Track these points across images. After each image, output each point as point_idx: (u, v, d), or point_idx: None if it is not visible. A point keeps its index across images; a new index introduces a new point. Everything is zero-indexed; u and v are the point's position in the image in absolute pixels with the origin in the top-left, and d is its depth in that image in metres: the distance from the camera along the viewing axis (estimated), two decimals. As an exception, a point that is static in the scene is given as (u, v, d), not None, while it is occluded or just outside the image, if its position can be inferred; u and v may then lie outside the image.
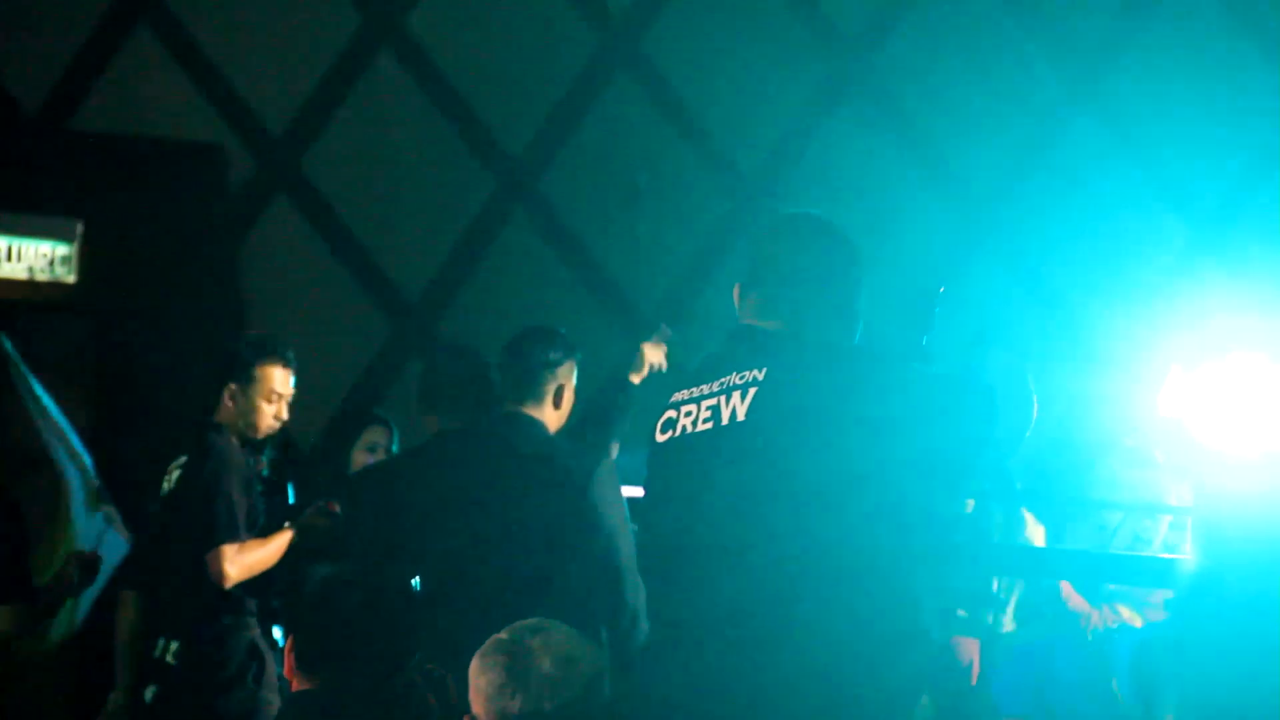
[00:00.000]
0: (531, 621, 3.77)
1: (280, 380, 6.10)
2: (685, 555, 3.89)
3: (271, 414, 6.10)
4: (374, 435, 6.84)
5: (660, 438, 3.99)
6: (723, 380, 3.90)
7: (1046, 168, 8.74)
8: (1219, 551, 5.39)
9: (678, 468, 3.95)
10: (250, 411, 6.09)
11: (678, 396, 3.99)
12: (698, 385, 3.97)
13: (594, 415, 6.18)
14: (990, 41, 8.82)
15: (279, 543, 6.02)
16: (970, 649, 6.38)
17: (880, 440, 3.79)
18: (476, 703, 3.55)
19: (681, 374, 4.10)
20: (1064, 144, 8.77)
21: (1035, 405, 4.04)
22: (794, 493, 3.76)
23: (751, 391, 3.83)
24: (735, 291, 4.03)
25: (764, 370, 3.84)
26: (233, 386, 6.07)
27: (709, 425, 3.87)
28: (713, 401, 3.89)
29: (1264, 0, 8.79)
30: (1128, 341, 7.68)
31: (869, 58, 8.89)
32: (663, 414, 4.01)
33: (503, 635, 3.66)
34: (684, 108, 8.93)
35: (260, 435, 6.14)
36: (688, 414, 3.93)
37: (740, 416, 3.83)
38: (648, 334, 6.38)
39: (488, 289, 8.76)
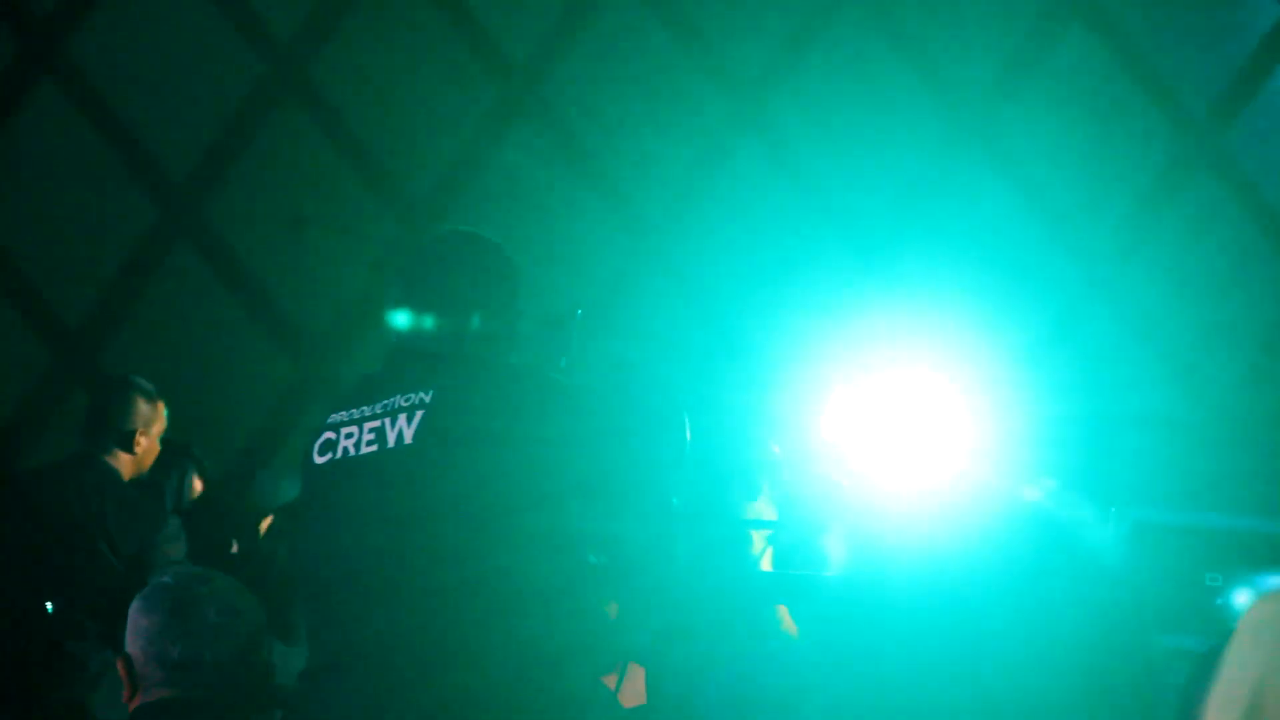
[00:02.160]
0: (199, 570, 3.68)
1: None
2: (347, 581, 3.81)
3: None
4: None
5: (319, 460, 3.89)
6: (385, 402, 3.83)
7: (712, 192, 8.83)
8: (875, 562, 5.48)
9: (338, 491, 3.86)
10: None
11: (335, 418, 3.90)
12: (357, 406, 3.89)
13: None
14: (659, 72, 8.90)
15: None
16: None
17: (548, 461, 3.76)
18: (134, 643, 3.43)
19: (336, 396, 4.03)
20: (728, 169, 8.86)
21: (687, 425, 4.05)
22: (463, 516, 3.71)
23: (419, 414, 3.77)
24: (388, 309, 3.96)
25: (430, 393, 3.79)
26: None
27: (373, 448, 3.79)
28: (376, 424, 3.81)
29: (938, 45, 8.98)
30: (791, 362, 7.79)
31: (539, 86, 8.90)
32: (319, 435, 3.92)
33: (168, 579, 3.55)
34: (353, 135, 8.86)
35: None
36: (348, 435, 3.84)
37: (408, 439, 3.76)
38: (314, 361, 6.31)
39: (152, 319, 8.59)
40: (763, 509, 6.48)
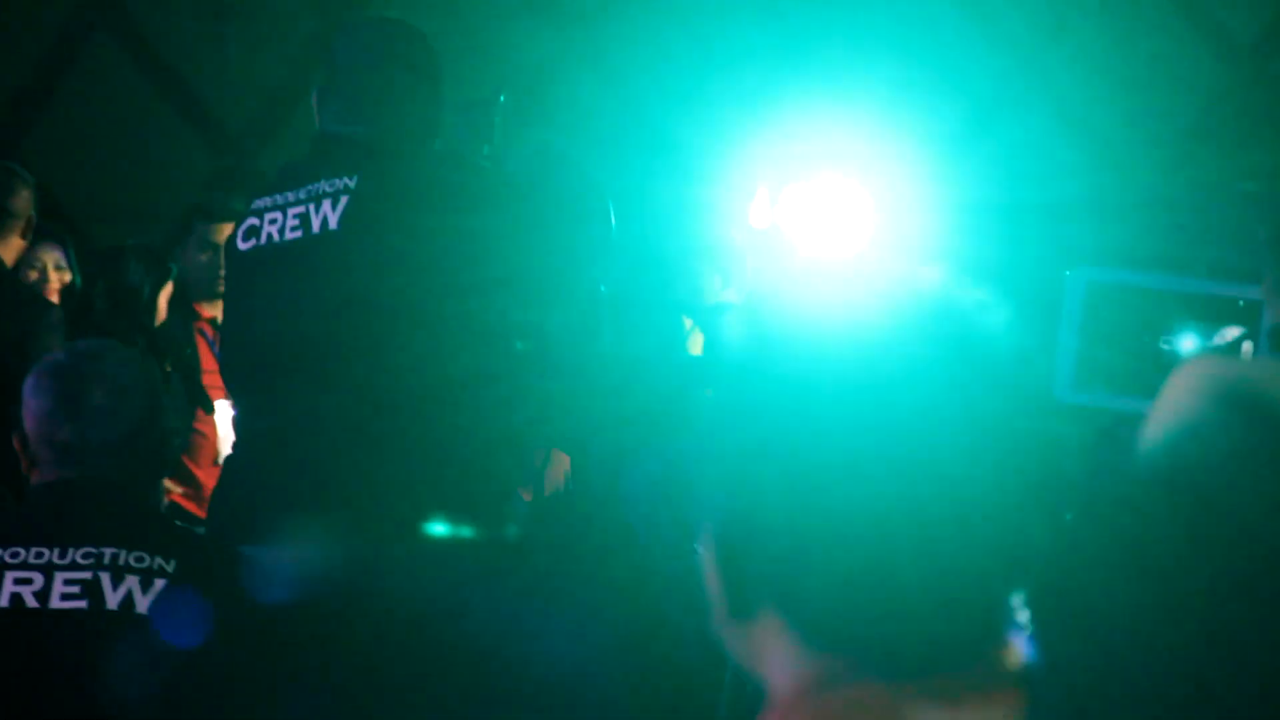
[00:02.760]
0: (93, 345, 3.62)
1: None
2: (272, 366, 3.81)
3: None
4: None
5: (243, 245, 3.88)
6: (310, 187, 3.81)
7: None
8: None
9: (263, 277, 3.85)
10: None
11: (260, 203, 3.88)
12: (281, 193, 3.87)
13: None
14: None
15: None
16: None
17: (473, 248, 3.75)
18: (27, 422, 3.42)
19: (262, 180, 4.00)
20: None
21: (612, 212, 4.05)
22: (387, 302, 3.70)
23: (343, 200, 3.75)
24: (314, 98, 3.93)
25: (354, 178, 3.77)
26: None
27: (298, 234, 3.77)
28: (300, 209, 3.79)
29: None
30: (720, 156, 7.78)
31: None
32: (244, 222, 3.90)
33: (61, 357, 3.50)
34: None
35: None
36: (273, 221, 3.82)
37: (332, 225, 3.75)
38: (236, 154, 6.25)
39: (70, 110, 8.51)
40: (726, 294, 6.50)
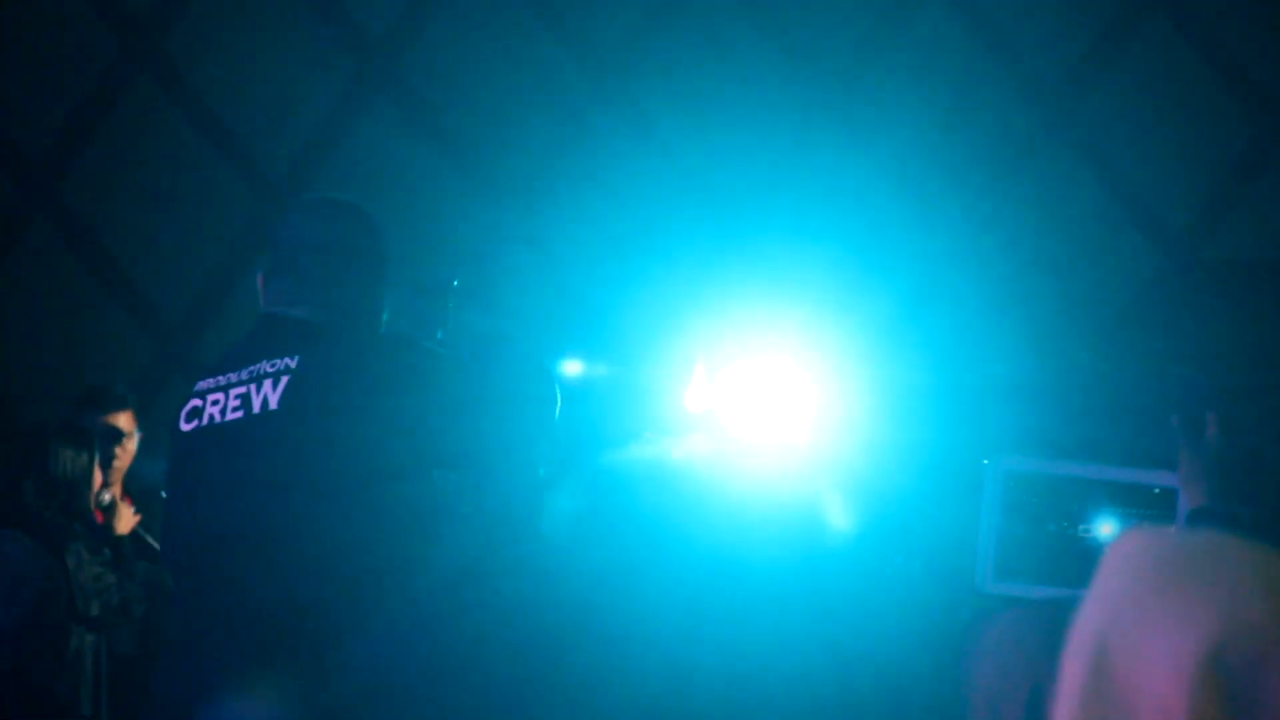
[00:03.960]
0: None
1: None
2: (214, 548, 3.79)
3: None
4: None
5: (185, 427, 3.87)
6: (252, 368, 3.81)
7: (575, 165, 8.83)
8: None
9: (205, 458, 3.84)
10: None
11: (203, 385, 3.87)
12: (224, 374, 3.86)
13: None
14: (519, 44, 8.88)
15: None
16: None
17: (414, 431, 3.75)
18: None
19: (204, 365, 4.00)
20: (590, 142, 8.87)
21: (558, 396, 4.05)
22: (327, 486, 3.69)
23: (284, 380, 3.74)
24: (259, 280, 3.93)
25: (296, 359, 3.76)
26: None
27: (239, 414, 3.77)
28: (242, 390, 3.79)
29: (797, 17, 8.99)
30: (655, 338, 7.80)
31: (396, 60, 8.87)
32: (187, 403, 3.89)
33: None
34: (210, 110, 8.79)
35: None
36: (215, 403, 3.82)
37: (273, 405, 3.74)
38: (174, 339, 6.27)
39: (6, 296, 8.50)
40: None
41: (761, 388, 8.01)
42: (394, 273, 4.02)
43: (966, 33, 8.94)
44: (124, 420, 6.80)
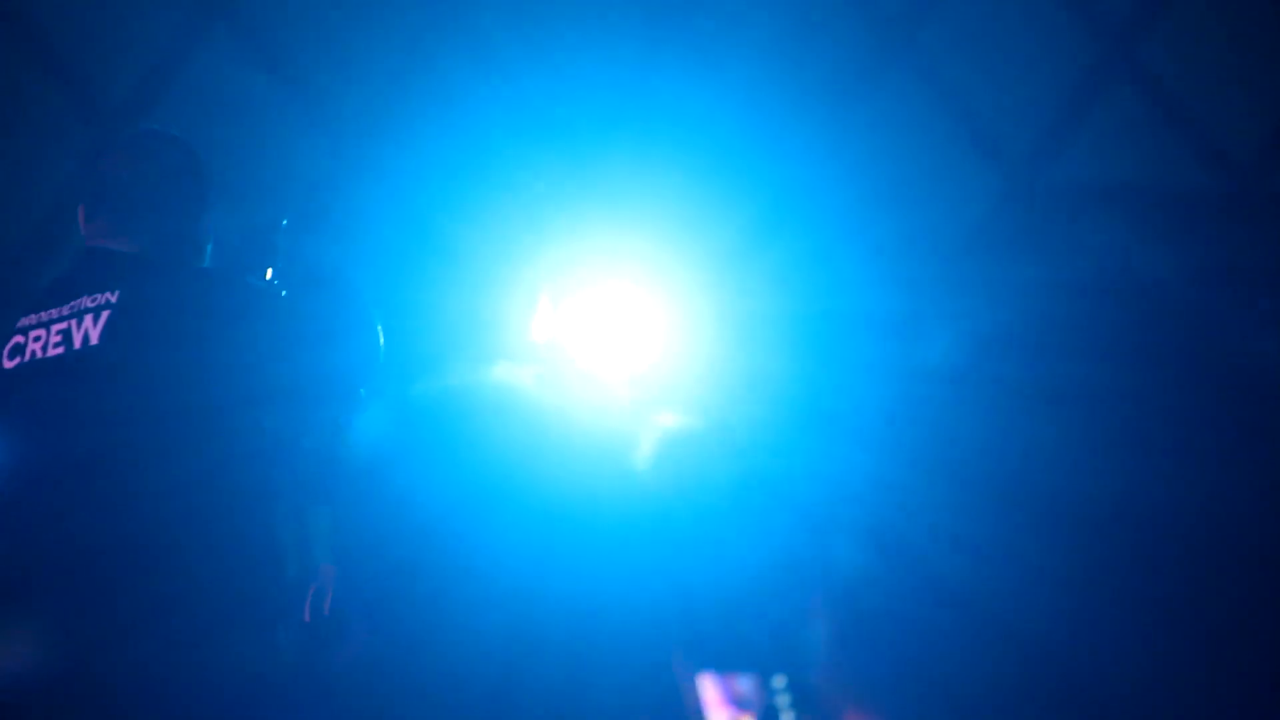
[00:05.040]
0: None
1: None
2: (41, 482, 3.76)
3: None
4: None
5: (8, 364, 3.83)
6: (73, 304, 3.77)
7: (415, 97, 8.76)
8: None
9: (27, 395, 3.81)
10: None
11: (25, 321, 3.83)
12: (46, 309, 3.83)
13: None
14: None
15: None
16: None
17: (234, 365, 3.73)
18: None
19: (28, 298, 3.95)
20: (436, 73, 8.81)
21: (380, 332, 4.04)
22: (149, 420, 3.67)
23: (104, 315, 3.71)
24: (80, 213, 3.89)
25: (116, 293, 3.73)
26: None
27: (60, 350, 3.73)
28: (63, 325, 3.75)
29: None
30: (501, 266, 7.77)
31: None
32: (9, 340, 3.86)
33: None
34: (47, 39, 8.66)
35: None
36: (36, 339, 3.78)
37: (94, 340, 3.71)
38: (11, 273, 6.16)
39: None
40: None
41: (606, 317, 8.00)
42: (221, 206, 3.99)
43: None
44: None
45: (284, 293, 3.96)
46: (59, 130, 8.56)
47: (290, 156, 8.46)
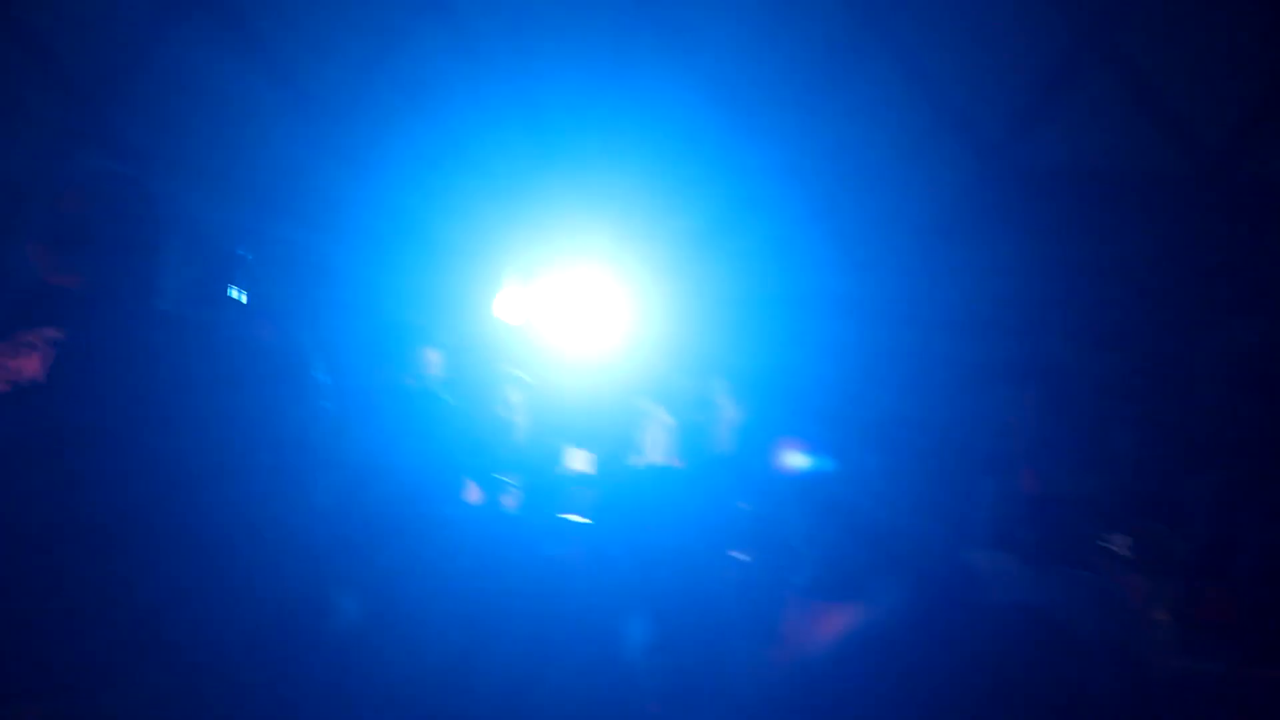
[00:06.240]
0: None
1: None
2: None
3: None
4: None
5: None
6: (17, 337, 3.81)
7: (389, 81, 8.77)
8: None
9: None
10: None
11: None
12: None
13: None
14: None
15: None
16: None
17: (178, 406, 3.75)
18: None
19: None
20: (407, 57, 8.82)
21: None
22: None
23: (49, 351, 3.76)
24: (29, 247, 3.90)
25: (64, 330, 3.78)
26: None
27: (4, 388, 3.78)
28: (6, 360, 3.80)
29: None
30: (474, 249, 7.80)
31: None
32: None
33: None
34: (23, 20, 8.68)
35: None
36: None
37: (39, 376, 3.75)
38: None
39: None
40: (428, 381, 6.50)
41: (577, 299, 8.02)
42: (174, 243, 4.00)
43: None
44: None
45: (223, 336, 3.99)
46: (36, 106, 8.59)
47: (264, 139, 8.48)
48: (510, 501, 6.20)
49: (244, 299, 4.26)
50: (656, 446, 6.52)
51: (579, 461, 6.25)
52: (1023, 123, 9.05)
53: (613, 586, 4.37)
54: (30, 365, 3.74)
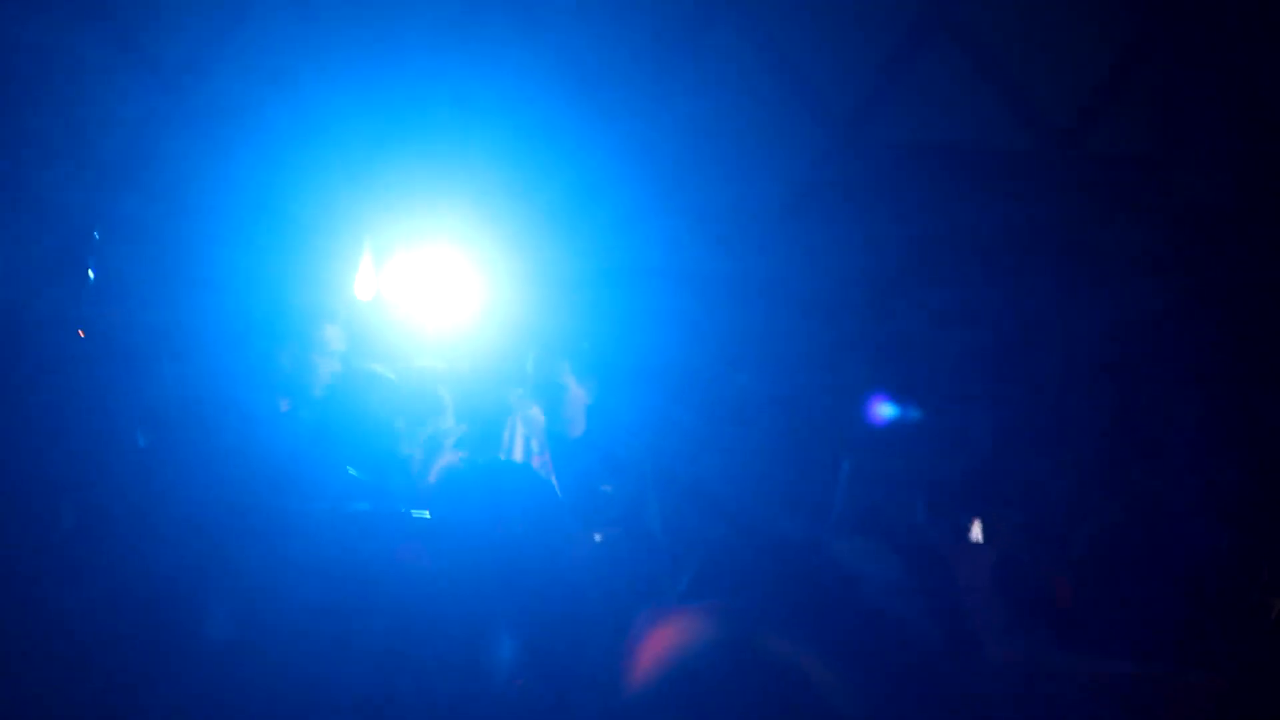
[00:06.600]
0: None
1: None
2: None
3: None
4: None
5: None
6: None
7: (236, 54, 8.68)
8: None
9: None
10: None
11: None
12: None
13: None
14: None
15: None
16: None
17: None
18: None
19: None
20: (252, 29, 8.72)
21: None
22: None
23: None
24: None
25: None
26: None
27: None
28: None
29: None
30: (323, 226, 7.73)
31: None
32: None
33: None
34: None
35: None
36: None
37: None
38: None
39: None
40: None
41: (429, 277, 7.97)
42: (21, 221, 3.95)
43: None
44: None
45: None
46: None
47: (112, 108, 8.35)
48: (365, 496, 6.17)
49: (93, 277, 4.21)
50: (522, 440, 6.50)
51: (437, 454, 6.21)
52: (872, 97, 9.08)
53: (469, 581, 4.35)
54: None
